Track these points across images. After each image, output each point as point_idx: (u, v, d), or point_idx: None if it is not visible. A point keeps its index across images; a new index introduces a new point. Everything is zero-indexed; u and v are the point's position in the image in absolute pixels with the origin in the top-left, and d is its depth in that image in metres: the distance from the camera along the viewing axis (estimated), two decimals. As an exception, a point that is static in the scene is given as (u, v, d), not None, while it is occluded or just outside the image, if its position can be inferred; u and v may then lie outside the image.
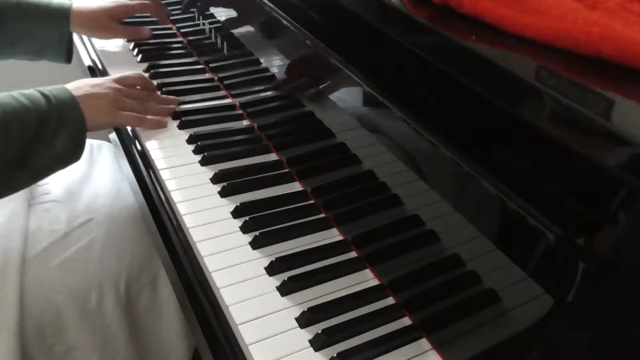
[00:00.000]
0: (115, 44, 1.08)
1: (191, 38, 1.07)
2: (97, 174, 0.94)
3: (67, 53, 0.99)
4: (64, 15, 0.95)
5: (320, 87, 0.74)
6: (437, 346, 0.55)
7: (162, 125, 0.83)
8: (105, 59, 1.03)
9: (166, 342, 0.87)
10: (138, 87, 0.87)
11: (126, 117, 0.80)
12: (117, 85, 0.81)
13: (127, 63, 1.00)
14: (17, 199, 0.82)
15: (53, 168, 0.73)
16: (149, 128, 0.82)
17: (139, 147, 0.82)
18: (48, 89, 0.73)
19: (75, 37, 1.05)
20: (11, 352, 0.74)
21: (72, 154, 0.73)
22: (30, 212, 0.83)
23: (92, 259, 0.80)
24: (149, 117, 0.83)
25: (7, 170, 0.67)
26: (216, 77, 0.96)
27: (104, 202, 0.86)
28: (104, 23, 0.99)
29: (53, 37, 0.96)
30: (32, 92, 0.71)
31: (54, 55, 0.99)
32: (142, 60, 1.02)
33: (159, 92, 0.91)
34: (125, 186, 0.89)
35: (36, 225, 0.81)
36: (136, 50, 1.04)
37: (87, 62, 1.06)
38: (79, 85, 0.77)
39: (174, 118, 0.86)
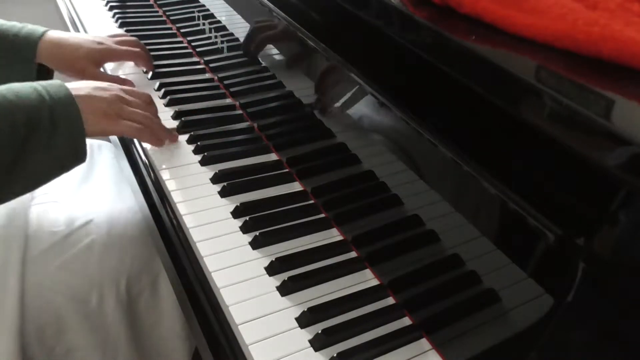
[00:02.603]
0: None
1: (191, 38, 1.07)
2: (97, 175, 0.94)
3: None
4: (31, 44, 0.82)
5: (320, 87, 0.74)
6: (437, 346, 0.55)
7: (161, 143, 0.78)
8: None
9: (166, 342, 0.87)
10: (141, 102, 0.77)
11: (126, 126, 0.73)
12: (122, 93, 0.74)
13: (127, 64, 1.00)
14: (16, 200, 0.82)
15: (53, 172, 0.67)
16: (147, 141, 0.77)
17: (139, 148, 0.82)
18: (43, 83, 0.66)
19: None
20: (12, 354, 0.74)
21: (73, 157, 0.67)
22: (30, 214, 0.83)
23: (92, 260, 0.80)
24: (150, 131, 0.76)
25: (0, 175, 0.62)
26: (216, 77, 0.96)
27: (104, 203, 0.86)
28: (81, 65, 0.85)
29: (16, 72, 0.82)
30: (24, 86, 0.64)
31: None
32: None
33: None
34: (125, 187, 0.89)
35: (36, 227, 0.81)
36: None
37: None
38: (81, 86, 0.70)
39: (174, 118, 0.85)
